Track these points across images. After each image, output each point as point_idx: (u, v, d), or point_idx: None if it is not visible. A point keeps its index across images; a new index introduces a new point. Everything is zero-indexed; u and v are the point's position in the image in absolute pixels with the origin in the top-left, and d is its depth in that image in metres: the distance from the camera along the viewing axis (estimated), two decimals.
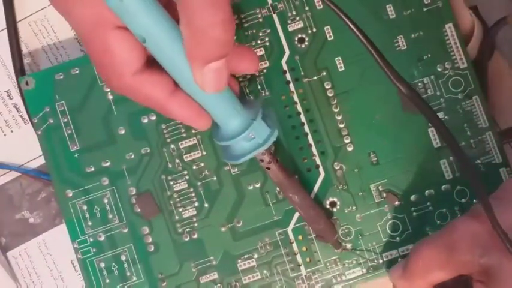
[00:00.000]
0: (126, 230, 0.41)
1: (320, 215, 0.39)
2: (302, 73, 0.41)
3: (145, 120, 0.41)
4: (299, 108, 0.41)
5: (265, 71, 0.41)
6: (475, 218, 0.34)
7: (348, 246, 0.40)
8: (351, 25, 0.32)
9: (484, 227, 0.33)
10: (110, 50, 0.34)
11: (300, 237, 0.41)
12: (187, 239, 0.41)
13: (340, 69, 0.41)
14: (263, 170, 0.41)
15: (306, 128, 0.41)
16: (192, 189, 0.41)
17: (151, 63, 0.35)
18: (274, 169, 0.38)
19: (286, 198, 0.39)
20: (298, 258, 0.41)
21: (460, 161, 0.33)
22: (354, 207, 0.41)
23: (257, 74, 0.41)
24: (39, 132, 0.41)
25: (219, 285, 0.40)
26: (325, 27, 0.41)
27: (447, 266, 0.34)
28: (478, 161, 0.40)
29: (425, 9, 0.41)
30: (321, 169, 0.41)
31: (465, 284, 0.35)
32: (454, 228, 0.34)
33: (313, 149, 0.41)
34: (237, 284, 0.41)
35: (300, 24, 0.41)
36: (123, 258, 0.41)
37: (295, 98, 0.41)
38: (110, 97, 0.41)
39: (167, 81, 0.35)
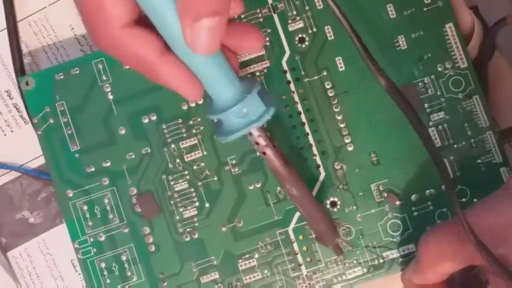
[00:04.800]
0: (126, 230, 0.41)
1: (321, 213, 0.39)
2: (302, 73, 0.41)
3: (146, 120, 0.41)
4: (299, 108, 0.41)
5: (265, 70, 0.41)
6: (488, 210, 0.33)
7: (348, 248, 0.40)
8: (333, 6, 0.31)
9: (499, 218, 0.32)
10: (101, 2, 0.32)
11: (301, 237, 0.41)
12: (188, 239, 0.41)
13: (340, 69, 0.41)
14: (263, 170, 0.41)
15: (307, 128, 0.41)
16: (192, 189, 0.41)
17: (143, 23, 0.33)
18: (270, 155, 0.36)
19: (286, 191, 0.38)
20: (299, 258, 0.41)
21: (433, 157, 0.32)
22: (354, 207, 0.41)
23: (258, 74, 0.41)
24: (40, 132, 0.41)
25: (219, 285, 0.40)
26: (325, 27, 0.41)
27: (457, 256, 0.33)
28: (479, 161, 0.40)
29: (425, 9, 0.41)
30: (321, 169, 0.41)
31: (475, 278, 0.35)
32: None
33: (314, 149, 0.41)
34: (238, 283, 0.41)
35: (301, 24, 0.41)
36: (123, 258, 0.41)
37: (296, 97, 0.41)
38: (110, 97, 0.41)
39: (158, 41, 0.32)
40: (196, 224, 0.41)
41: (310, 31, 0.41)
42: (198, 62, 0.32)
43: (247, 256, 0.41)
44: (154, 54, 0.32)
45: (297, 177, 0.37)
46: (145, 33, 0.32)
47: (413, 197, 0.40)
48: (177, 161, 0.41)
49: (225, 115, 0.34)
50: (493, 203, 0.34)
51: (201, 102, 0.41)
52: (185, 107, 0.41)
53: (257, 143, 0.35)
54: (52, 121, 0.41)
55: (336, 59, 0.41)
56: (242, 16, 0.41)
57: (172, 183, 0.41)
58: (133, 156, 0.41)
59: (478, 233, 0.32)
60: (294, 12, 0.41)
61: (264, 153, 0.36)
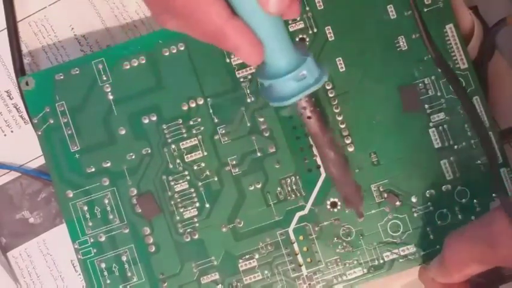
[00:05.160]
0: (127, 231, 0.41)
1: (351, 177, 0.38)
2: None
3: (146, 121, 0.41)
4: None
5: None
6: None
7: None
8: None
9: None
10: None
11: (301, 238, 0.41)
12: (188, 239, 0.41)
13: (341, 70, 0.41)
14: (264, 170, 0.41)
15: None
16: (193, 190, 0.41)
17: None
18: (316, 119, 0.36)
19: (320, 154, 0.37)
20: (299, 258, 0.41)
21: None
22: None
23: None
24: (40, 133, 0.41)
25: (220, 285, 0.41)
26: (326, 28, 0.41)
27: (486, 259, 0.33)
28: (479, 161, 0.40)
29: (426, 10, 0.41)
30: (321, 169, 0.41)
31: (498, 273, 0.35)
32: (493, 221, 0.33)
33: (314, 149, 0.41)
34: (238, 284, 0.41)
35: (301, 25, 0.41)
36: (124, 258, 0.41)
37: None
38: (110, 97, 0.41)
39: (225, 5, 0.32)
40: (197, 225, 0.41)
41: (310, 32, 0.41)
42: (264, 24, 0.33)
43: (247, 256, 0.41)
44: (223, 18, 0.32)
45: (335, 141, 0.37)
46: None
47: (413, 198, 0.40)
48: (178, 161, 0.41)
49: (284, 79, 0.34)
50: None
51: (201, 102, 0.41)
52: (185, 107, 0.41)
53: (304, 108, 0.35)
54: (52, 121, 0.41)
55: (337, 59, 0.41)
56: None
57: (172, 183, 0.41)
58: (133, 157, 0.41)
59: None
60: None
61: (310, 117, 0.36)
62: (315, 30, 0.41)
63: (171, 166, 0.41)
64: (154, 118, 0.41)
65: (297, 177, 0.41)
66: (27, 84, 0.41)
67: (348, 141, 0.41)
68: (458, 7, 0.42)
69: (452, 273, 0.35)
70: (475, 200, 0.40)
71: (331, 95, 0.41)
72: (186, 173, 0.41)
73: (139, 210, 0.41)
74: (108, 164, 0.41)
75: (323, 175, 0.41)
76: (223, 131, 0.41)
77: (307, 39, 0.41)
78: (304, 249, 0.41)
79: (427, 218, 0.40)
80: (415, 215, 0.40)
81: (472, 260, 0.34)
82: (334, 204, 0.41)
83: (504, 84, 0.43)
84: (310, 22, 0.41)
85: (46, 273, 0.44)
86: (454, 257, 0.35)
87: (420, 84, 0.41)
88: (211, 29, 0.33)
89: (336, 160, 0.37)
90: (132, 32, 0.44)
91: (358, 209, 0.40)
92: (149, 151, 0.41)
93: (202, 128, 0.41)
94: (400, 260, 0.40)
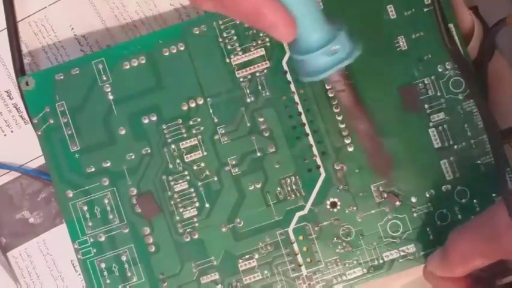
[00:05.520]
0: (126, 231, 0.41)
1: (381, 147, 0.39)
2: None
3: (146, 121, 0.41)
4: (300, 108, 0.41)
5: (266, 71, 0.41)
6: None
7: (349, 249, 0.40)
8: None
9: None
10: None
11: (301, 238, 0.41)
12: (188, 239, 0.41)
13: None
14: (264, 170, 0.41)
15: (307, 129, 0.41)
16: (192, 190, 0.41)
17: None
18: (348, 92, 0.36)
19: (352, 126, 0.38)
20: (299, 258, 0.41)
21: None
22: (354, 208, 0.41)
23: (258, 75, 0.41)
24: (40, 133, 0.41)
25: (219, 285, 0.40)
26: None
27: (490, 253, 0.33)
28: (479, 161, 0.40)
29: (425, 10, 0.41)
30: (321, 169, 0.41)
31: (502, 266, 0.35)
32: (495, 215, 0.33)
33: (314, 149, 0.41)
34: (238, 284, 0.41)
35: None
36: (123, 258, 0.41)
37: (296, 98, 0.41)
38: (110, 97, 0.41)
39: None
40: (197, 225, 0.41)
41: None
42: (297, 2, 0.33)
43: (247, 256, 0.41)
44: None
45: (368, 114, 0.38)
46: None
47: (413, 198, 0.40)
48: (177, 161, 0.41)
49: (316, 54, 0.34)
50: None
51: (201, 102, 0.41)
52: (185, 107, 0.41)
53: (337, 81, 0.36)
54: (52, 121, 0.41)
55: None
56: None
57: (172, 183, 0.41)
58: (133, 157, 0.41)
59: None
60: None
61: (343, 90, 0.36)
62: None
63: (171, 166, 0.41)
64: (154, 118, 0.41)
65: (297, 177, 0.41)
66: (27, 84, 0.41)
67: (347, 141, 0.41)
68: (458, 7, 0.41)
69: (455, 267, 0.35)
70: (474, 200, 0.40)
71: (331, 95, 0.41)
72: (186, 173, 0.41)
73: (139, 210, 0.41)
74: (108, 164, 0.41)
75: (323, 175, 0.41)
76: (223, 131, 0.41)
77: None
78: (304, 249, 0.41)
79: (427, 218, 0.40)
80: (415, 215, 0.40)
81: (475, 254, 0.34)
82: (333, 204, 0.41)
83: (504, 84, 0.43)
84: None
85: (46, 273, 0.44)
86: (457, 251, 0.35)
87: (420, 84, 0.41)
88: (247, 8, 0.33)
89: (368, 132, 0.38)
90: (132, 32, 0.44)
91: (388, 178, 0.40)
92: (149, 151, 0.41)
93: (202, 128, 0.41)
94: (400, 260, 0.40)
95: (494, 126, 0.38)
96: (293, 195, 0.41)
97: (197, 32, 0.42)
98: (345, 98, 0.37)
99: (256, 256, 0.41)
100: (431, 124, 0.41)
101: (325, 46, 0.34)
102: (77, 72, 0.41)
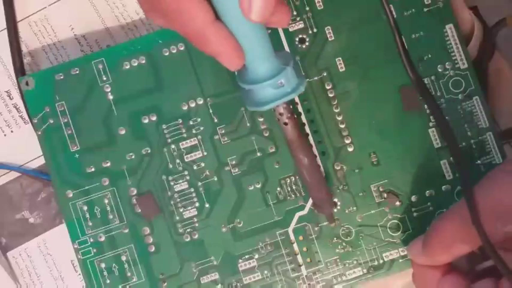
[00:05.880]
0: (126, 231, 0.41)
1: (324, 183, 0.39)
2: (303, 73, 0.41)
3: (146, 121, 0.41)
4: (300, 108, 0.41)
5: None
6: (494, 189, 0.34)
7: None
8: None
9: (505, 196, 0.33)
10: None
11: (301, 238, 0.41)
12: (188, 239, 0.41)
13: (340, 70, 0.41)
14: (264, 170, 0.41)
15: (307, 129, 0.41)
16: (192, 190, 0.41)
17: None
18: (292, 125, 0.37)
19: (295, 159, 0.38)
20: (299, 258, 0.41)
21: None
22: (354, 208, 0.41)
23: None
24: (39, 133, 0.41)
25: (219, 285, 0.41)
26: (325, 28, 0.41)
27: (469, 238, 0.33)
28: (479, 161, 0.40)
29: (425, 10, 0.41)
30: (321, 169, 0.41)
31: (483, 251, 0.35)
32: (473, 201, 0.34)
33: (314, 149, 0.41)
34: (238, 284, 0.41)
35: (301, 25, 0.41)
36: (123, 258, 0.41)
37: (296, 98, 0.41)
38: (110, 97, 0.41)
39: (209, 8, 0.33)
40: (196, 225, 0.41)
41: (310, 32, 0.41)
42: (246, 30, 0.33)
43: (247, 257, 0.41)
44: (205, 21, 0.32)
45: (310, 149, 0.38)
46: (197, 2, 0.32)
47: (413, 198, 0.40)
48: (177, 161, 0.41)
49: (262, 86, 0.34)
50: (500, 180, 0.34)
51: (201, 102, 0.41)
52: (185, 107, 0.41)
53: (281, 114, 0.36)
54: (52, 121, 0.41)
55: (336, 59, 0.41)
56: None
57: (172, 183, 0.41)
58: (133, 157, 0.41)
59: (487, 211, 0.33)
60: (294, 13, 0.41)
61: (286, 123, 0.36)
62: (315, 30, 0.41)
63: (170, 166, 0.41)
64: (154, 118, 0.41)
65: (297, 177, 0.41)
66: (27, 84, 0.41)
67: (347, 141, 0.41)
68: (458, 7, 0.42)
69: (438, 254, 0.35)
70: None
71: (331, 95, 0.41)
72: (186, 173, 0.41)
73: (139, 210, 0.41)
74: (108, 164, 0.41)
75: (322, 175, 0.41)
76: (223, 131, 0.41)
77: (307, 39, 0.41)
78: (304, 249, 0.41)
79: (427, 218, 0.40)
80: (415, 215, 0.40)
81: (457, 240, 0.34)
82: (333, 204, 0.41)
83: (504, 84, 0.43)
84: (310, 22, 0.41)
85: (46, 273, 0.44)
86: (440, 238, 0.35)
87: None
88: (193, 31, 0.33)
89: (310, 166, 0.38)
90: (132, 32, 0.44)
91: (329, 215, 0.40)
92: (149, 151, 0.41)
93: (202, 128, 0.41)
94: (400, 260, 0.40)
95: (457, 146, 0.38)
96: (293, 195, 0.41)
97: None
98: (288, 131, 0.37)
99: (256, 256, 0.41)
100: (431, 124, 0.41)
101: (271, 79, 0.34)
102: (77, 72, 0.41)
